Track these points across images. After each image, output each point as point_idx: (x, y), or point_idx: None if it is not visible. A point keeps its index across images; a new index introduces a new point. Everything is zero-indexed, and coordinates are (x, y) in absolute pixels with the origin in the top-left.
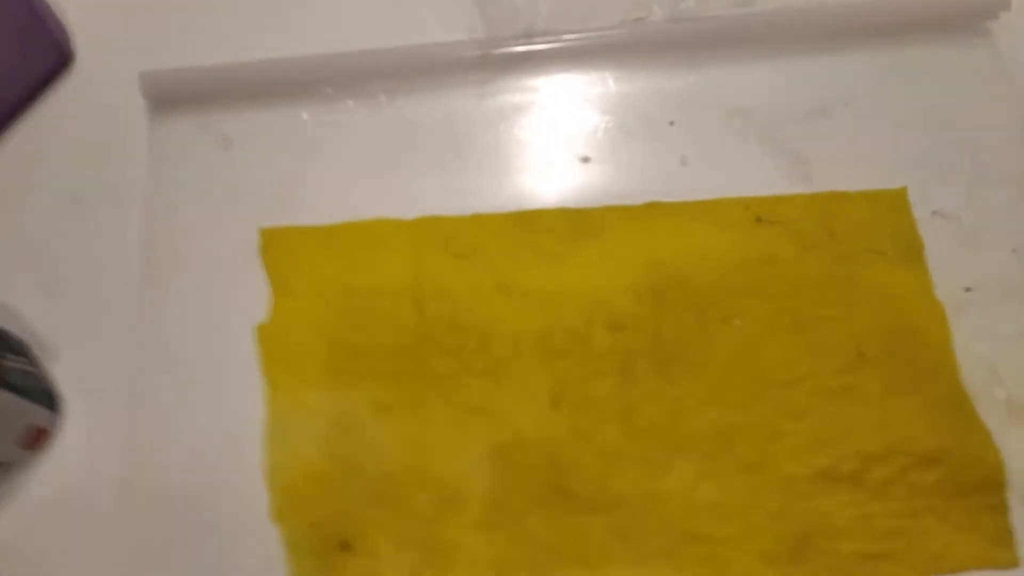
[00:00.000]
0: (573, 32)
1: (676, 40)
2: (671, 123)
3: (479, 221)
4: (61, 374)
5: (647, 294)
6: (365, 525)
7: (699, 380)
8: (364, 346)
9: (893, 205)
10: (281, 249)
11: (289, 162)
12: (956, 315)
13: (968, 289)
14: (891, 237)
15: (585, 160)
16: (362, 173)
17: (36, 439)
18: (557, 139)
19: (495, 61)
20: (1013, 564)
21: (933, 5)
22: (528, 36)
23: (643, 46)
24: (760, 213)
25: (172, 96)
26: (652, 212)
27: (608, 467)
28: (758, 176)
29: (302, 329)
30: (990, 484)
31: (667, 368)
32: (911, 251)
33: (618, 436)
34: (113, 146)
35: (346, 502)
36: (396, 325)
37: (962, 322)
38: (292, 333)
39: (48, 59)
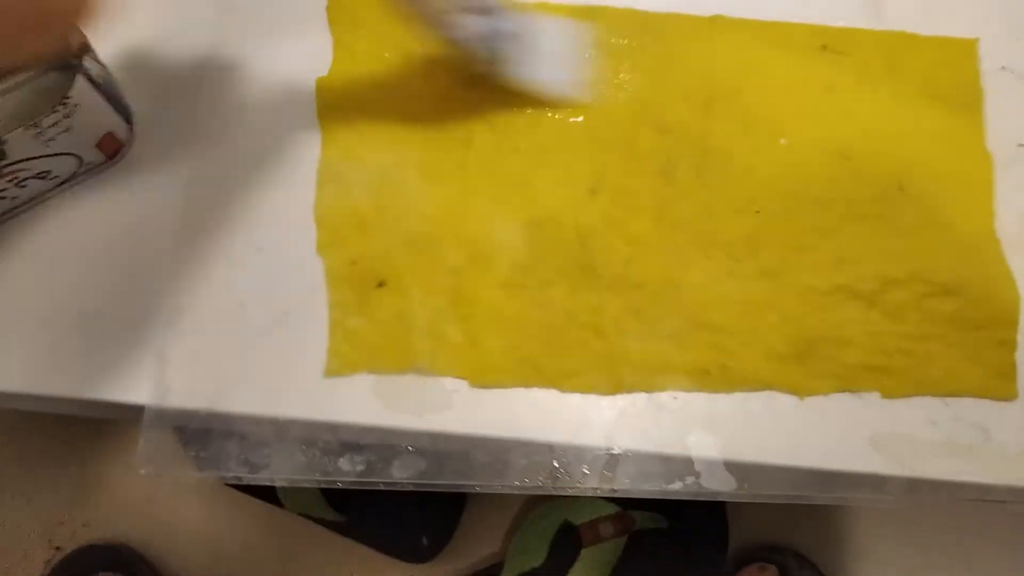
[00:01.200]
0: None
1: None
2: None
3: (546, 8)
4: (137, 96)
5: (699, 102)
6: (401, 268)
7: (737, 188)
8: (416, 111)
9: (961, 53)
10: (348, 8)
11: None
12: (1003, 168)
13: (1021, 145)
14: (953, 84)
15: None
16: None
17: (112, 147)
18: None
19: None
20: (1012, 396)
21: None
22: None
23: None
24: (826, 42)
25: None
26: (717, 25)
27: (635, 253)
28: (831, 8)
29: (360, 86)
30: (1003, 321)
31: (707, 172)
32: (971, 101)
33: (649, 227)
34: None
35: (386, 246)
36: (449, 96)
37: (1008, 175)
38: (350, 89)
39: None
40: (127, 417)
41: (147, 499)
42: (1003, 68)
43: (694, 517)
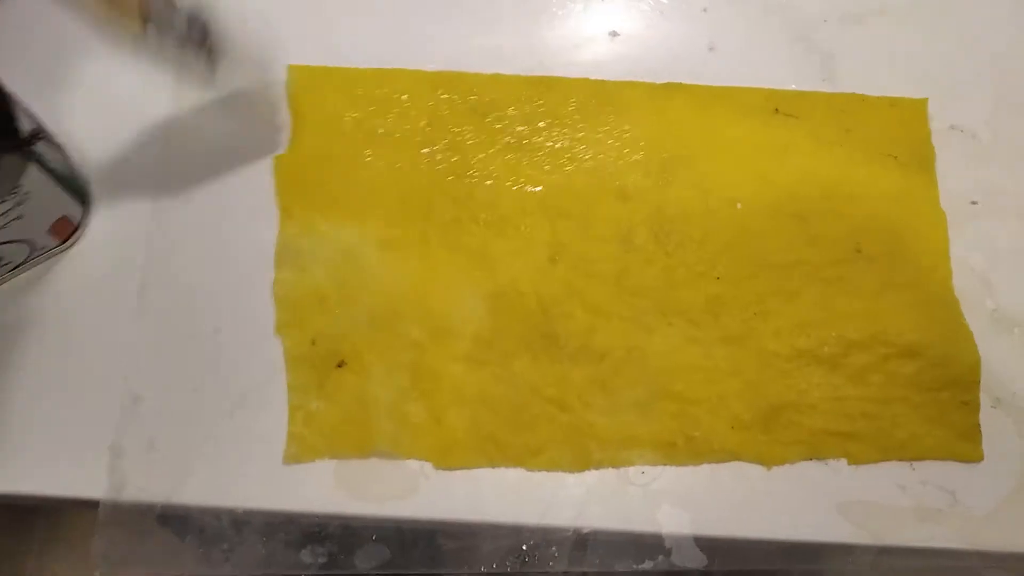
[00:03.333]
0: None
1: None
2: (704, 9)
3: (499, 80)
4: (94, 175)
5: (656, 169)
6: (361, 346)
7: (696, 253)
8: (375, 185)
9: (912, 113)
10: (307, 87)
11: (323, 4)
12: (958, 225)
13: (974, 203)
14: (906, 144)
15: (614, 35)
16: (391, 22)
17: (66, 230)
18: (588, 10)
19: None
20: (977, 458)
21: None
22: None
23: None
24: (780, 105)
25: None
26: (672, 92)
27: (596, 322)
28: (784, 72)
29: (318, 163)
30: (965, 382)
31: (666, 239)
32: (923, 160)
33: (610, 295)
34: None
35: (346, 325)
36: (408, 169)
37: (963, 232)
38: (308, 165)
39: None
40: (82, 509)
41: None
42: (951, 127)
43: None
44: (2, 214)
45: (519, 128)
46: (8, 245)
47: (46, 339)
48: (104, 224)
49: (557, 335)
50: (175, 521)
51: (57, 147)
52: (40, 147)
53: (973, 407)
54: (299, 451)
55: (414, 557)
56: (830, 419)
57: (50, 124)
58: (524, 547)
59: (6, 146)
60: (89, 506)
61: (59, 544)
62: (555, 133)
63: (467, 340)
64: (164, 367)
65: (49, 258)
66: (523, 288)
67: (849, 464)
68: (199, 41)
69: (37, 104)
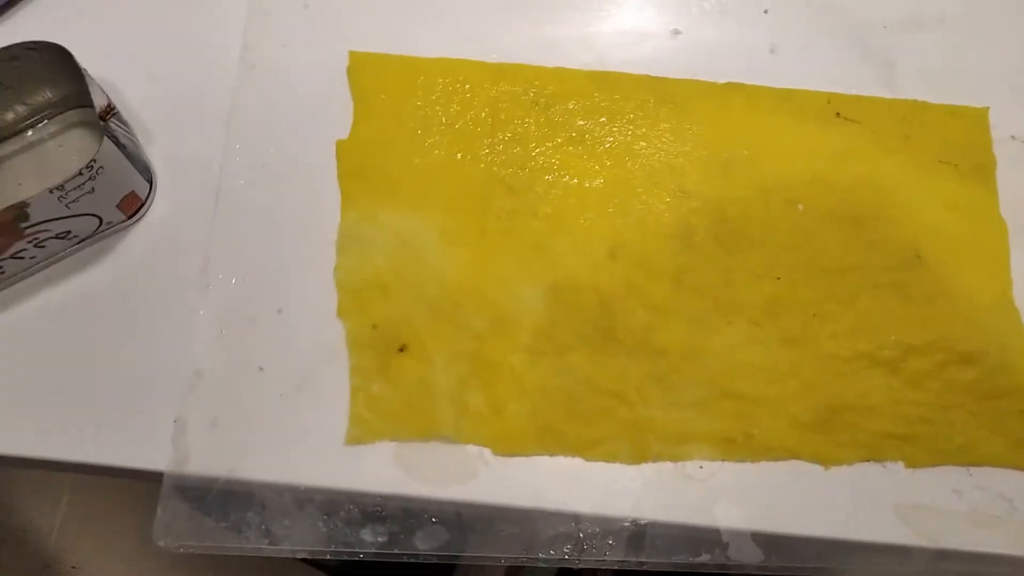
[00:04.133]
0: None
1: None
2: (765, 11)
3: (561, 74)
4: (157, 155)
5: (717, 168)
6: (423, 333)
7: (755, 254)
8: (436, 174)
9: (973, 122)
10: (369, 73)
11: None
12: (1017, 235)
13: None
14: (966, 152)
15: (676, 33)
16: (451, 12)
17: (133, 206)
18: (651, 7)
19: None
20: None
21: None
22: None
23: None
24: (841, 109)
25: None
26: (733, 92)
27: (655, 319)
28: (843, 75)
29: (380, 149)
30: (1023, 390)
31: (726, 239)
32: (983, 168)
33: (669, 293)
34: None
35: (407, 311)
36: (468, 159)
37: (1022, 243)
38: (370, 152)
39: None
40: (143, 480)
41: (139, 539)
42: (1013, 137)
43: None
44: (75, 188)
45: (580, 122)
46: (78, 219)
47: (111, 312)
48: (169, 202)
49: (616, 330)
50: (237, 496)
51: (126, 124)
52: (112, 123)
53: None
54: (361, 433)
55: (472, 541)
56: (888, 422)
57: (116, 97)
58: (581, 535)
59: (83, 121)
60: (151, 476)
61: (83, 522)
62: (615, 128)
63: (526, 332)
64: (227, 345)
65: (115, 232)
66: (582, 283)
67: (906, 467)
68: None
69: (106, 83)
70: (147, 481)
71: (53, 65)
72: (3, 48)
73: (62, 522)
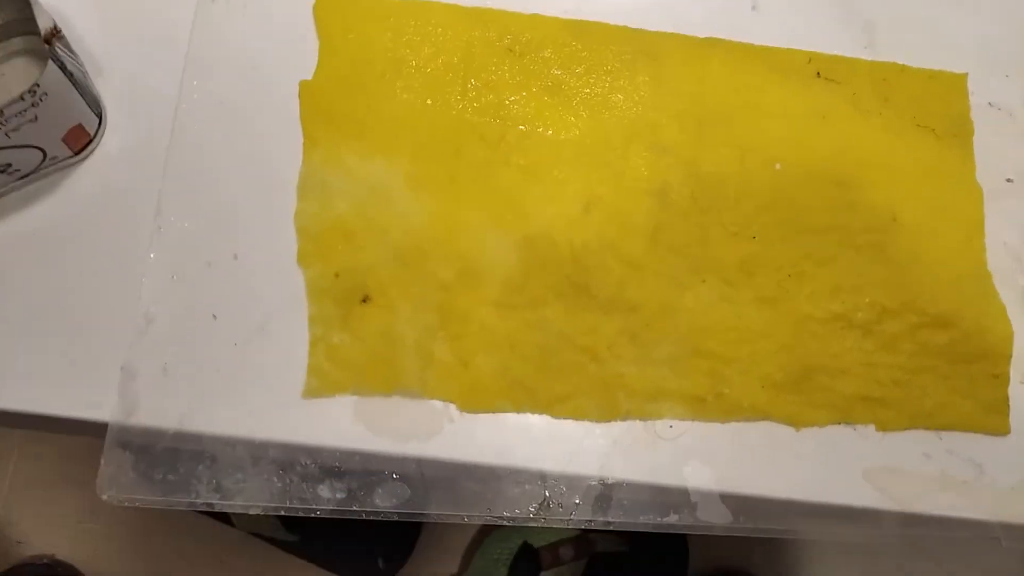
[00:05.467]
0: None
1: None
2: None
3: (537, 21)
4: (108, 90)
5: (694, 124)
6: (387, 283)
7: (731, 212)
8: (405, 119)
9: (951, 87)
10: (336, 12)
11: None
12: (993, 201)
13: (1009, 180)
14: (943, 117)
15: None
16: None
17: (81, 141)
18: None
19: None
20: (1004, 431)
21: None
22: None
23: None
24: (821, 69)
25: None
26: (712, 47)
27: (629, 274)
28: (825, 35)
29: (346, 91)
30: (996, 355)
31: (701, 196)
32: (960, 134)
33: (644, 249)
34: None
35: (372, 260)
36: (439, 105)
37: (997, 209)
38: (336, 93)
39: None
40: (86, 433)
41: (87, 512)
42: (990, 104)
43: (655, 542)
44: (16, 115)
45: (556, 72)
46: (20, 150)
47: (57, 253)
48: (121, 139)
49: (589, 285)
50: (187, 450)
51: (73, 53)
52: (59, 48)
53: (1003, 380)
54: (320, 385)
55: (435, 498)
56: (861, 384)
57: (64, 27)
58: (547, 494)
59: (28, 49)
60: (95, 428)
61: (35, 464)
62: (592, 79)
63: (496, 284)
64: (180, 290)
65: (61, 169)
66: (555, 236)
67: (877, 430)
68: None
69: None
70: (91, 435)
71: None
72: None
73: (6, 496)
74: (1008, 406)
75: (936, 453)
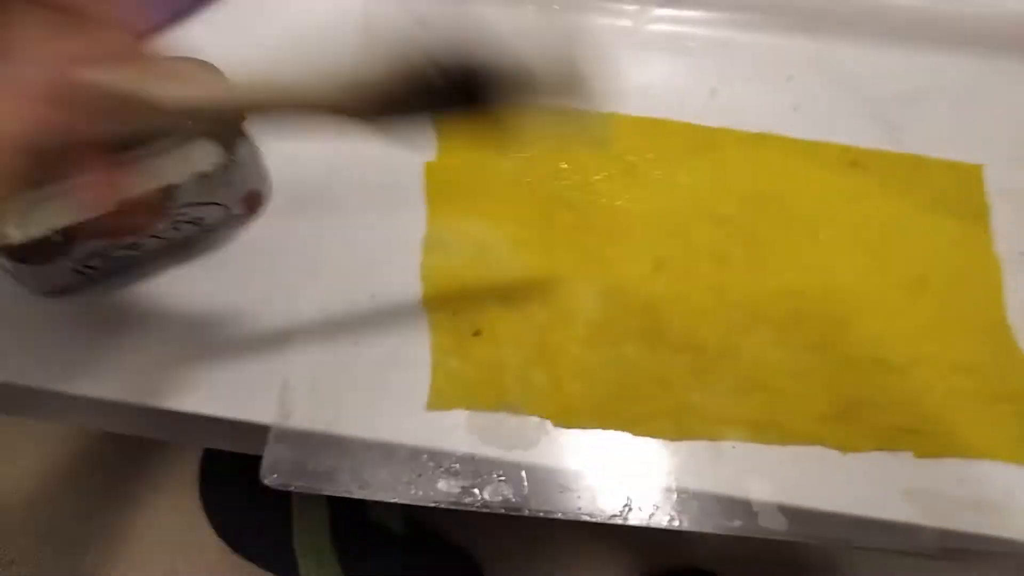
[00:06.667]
0: None
1: (807, 9)
2: (790, 77)
3: (615, 118)
4: (273, 163)
5: (748, 201)
6: (495, 322)
7: (783, 273)
8: (509, 193)
9: (969, 176)
10: None
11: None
12: (1010, 269)
13: (1023, 253)
14: (963, 201)
15: (713, 92)
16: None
17: (255, 202)
18: (692, 69)
19: None
20: None
21: None
22: None
23: (776, 7)
24: (855, 159)
25: None
26: (762, 140)
27: (697, 321)
28: (857, 132)
29: (461, 171)
30: (1019, 395)
31: (756, 259)
32: (979, 215)
33: (708, 301)
34: (326, 17)
35: (482, 302)
36: (537, 183)
37: (1016, 276)
38: (452, 174)
39: None
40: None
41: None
42: (1005, 191)
43: None
44: (216, 178)
45: (630, 158)
46: (211, 207)
47: (234, 291)
48: (281, 201)
49: (661, 329)
50: (333, 448)
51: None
52: (248, 125)
53: None
54: (440, 401)
55: (533, 497)
56: (899, 417)
57: None
58: (627, 499)
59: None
60: (257, 431)
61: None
62: (661, 164)
63: (583, 325)
64: (329, 321)
65: (237, 225)
66: (630, 288)
67: (915, 457)
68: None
69: None
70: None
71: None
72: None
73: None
74: None
75: (968, 479)
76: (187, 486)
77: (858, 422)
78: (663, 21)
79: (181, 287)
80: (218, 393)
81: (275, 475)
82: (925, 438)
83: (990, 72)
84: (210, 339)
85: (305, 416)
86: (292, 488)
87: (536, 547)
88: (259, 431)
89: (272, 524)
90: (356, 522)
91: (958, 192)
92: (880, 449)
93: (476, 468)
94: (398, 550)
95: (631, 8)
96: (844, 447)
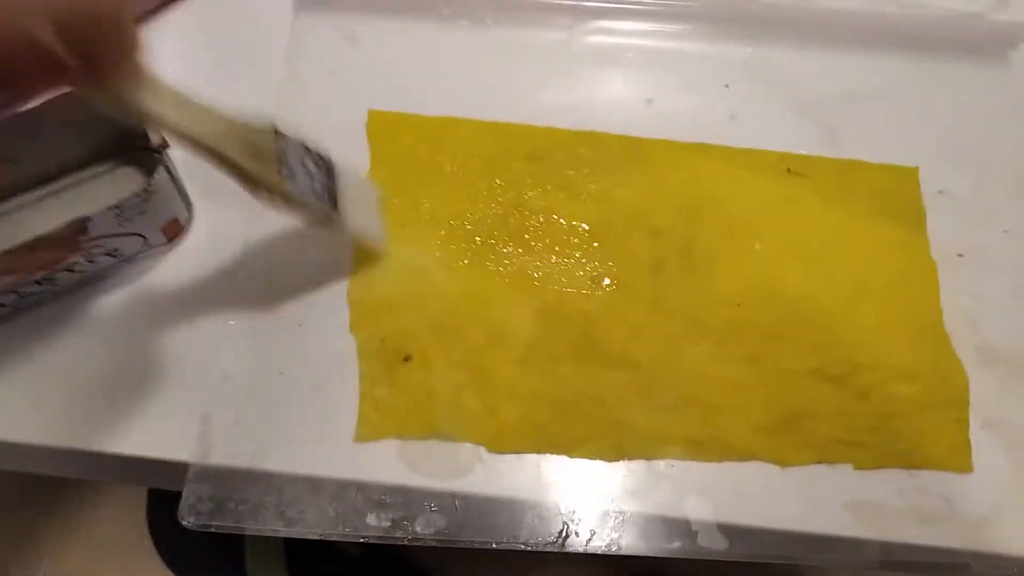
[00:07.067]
0: None
1: (741, 17)
2: (726, 85)
3: (550, 132)
4: (194, 188)
5: (685, 211)
6: (425, 346)
7: (720, 283)
8: (440, 214)
9: (905, 179)
10: (384, 128)
11: (402, 62)
12: (947, 273)
13: (960, 255)
14: (900, 204)
15: (649, 102)
16: (459, 80)
17: (174, 231)
18: (628, 80)
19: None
20: (968, 470)
21: (966, 27)
22: None
23: (711, 16)
24: (791, 166)
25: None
26: (699, 150)
27: (632, 336)
28: (794, 139)
29: (391, 190)
30: (956, 402)
31: (694, 270)
32: (915, 218)
33: (645, 315)
34: (260, 30)
35: (411, 326)
36: (470, 202)
37: (951, 280)
38: (383, 191)
39: None
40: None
41: None
42: (940, 192)
43: None
44: (131, 207)
45: (567, 172)
46: (127, 237)
47: (153, 322)
48: (206, 229)
49: (598, 346)
50: (256, 484)
51: (171, 160)
52: (166, 154)
53: (963, 425)
54: (368, 431)
55: (467, 528)
56: (837, 429)
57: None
58: (566, 524)
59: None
60: (175, 469)
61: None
62: (597, 177)
63: (518, 345)
64: (252, 352)
65: (156, 254)
66: (568, 305)
67: (855, 469)
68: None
69: None
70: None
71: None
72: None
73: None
74: (970, 448)
75: (908, 489)
76: (134, 510)
77: (797, 435)
78: (598, 33)
79: (98, 320)
80: (135, 431)
81: (192, 516)
82: (864, 449)
83: (921, 73)
84: (127, 374)
85: (227, 452)
86: (212, 528)
87: (503, 562)
88: (180, 469)
89: (223, 549)
90: (311, 543)
91: (895, 195)
92: (819, 462)
93: (407, 499)
94: (354, 572)
95: (566, 21)
96: (783, 461)
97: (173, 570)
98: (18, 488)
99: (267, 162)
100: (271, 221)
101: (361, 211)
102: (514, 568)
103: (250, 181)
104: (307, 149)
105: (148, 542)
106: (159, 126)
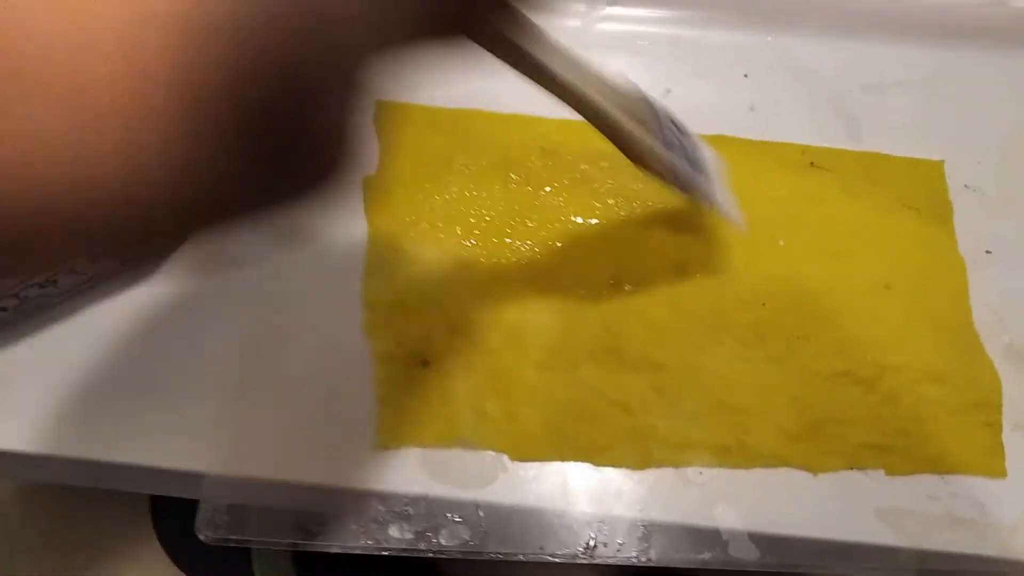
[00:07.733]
0: None
1: (760, 3)
2: (745, 75)
3: (565, 125)
4: None
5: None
6: (443, 350)
7: (743, 282)
8: (454, 209)
9: (930, 173)
10: (394, 120)
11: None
12: (974, 270)
13: (988, 252)
14: (925, 199)
15: (668, 92)
16: (471, 69)
17: None
18: (646, 70)
19: None
20: (1001, 475)
21: (990, 14)
22: None
23: (729, 2)
24: (815, 159)
25: None
26: (718, 143)
27: (655, 337)
28: (816, 130)
29: (403, 186)
30: (988, 405)
31: (716, 268)
32: (941, 213)
33: (667, 315)
34: None
35: (429, 329)
36: (484, 197)
37: (979, 277)
38: (394, 188)
39: None
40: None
41: None
42: (965, 186)
43: None
44: None
45: (583, 166)
46: None
47: (161, 327)
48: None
49: (619, 347)
50: (274, 495)
51: None
52: None
53: (996, 428)
54: (389, 439)
55: (492, 538)
56: (867, 434)
57: None
58: (593, 535)
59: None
60: (192, 480)
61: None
62: (615, 172)
63: (537, 348)
64: (267, 357)
65: (164, 255)
66: (587, 306)
67: (886, 475)
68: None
69: None
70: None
71: None
72: None
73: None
74: (1003, 451)
75: (942, 495)
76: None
77: (826, 440)
78: (613, 20)
79: (104, 325)
80: (145, 440)
81: (209, 530)
82: (895, 454)
83: (947, 64)
84: (137, 383)
85: (242, 462)
86: (232, 542)
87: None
88: (191, 478)
89: (230, 550)
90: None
91: (920, 190)
92: (850, 468)
93: (430, 510)
94: (360, 567)
95: (579, 7)
96: (813, 468)
97: (176, 563)
98: (19, 488)
99: (647, 128)
100: (282, 221)
101: (717, 183)
102: (527, 566)
103: (635, 148)
104: (669, 117)
105: (152, 535)
106: (545, 83)
